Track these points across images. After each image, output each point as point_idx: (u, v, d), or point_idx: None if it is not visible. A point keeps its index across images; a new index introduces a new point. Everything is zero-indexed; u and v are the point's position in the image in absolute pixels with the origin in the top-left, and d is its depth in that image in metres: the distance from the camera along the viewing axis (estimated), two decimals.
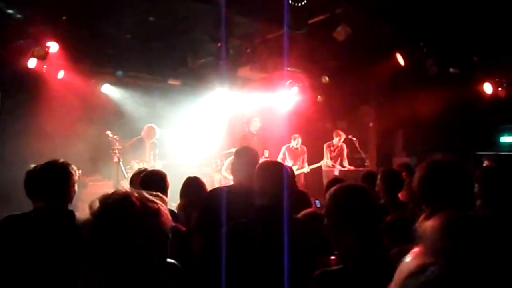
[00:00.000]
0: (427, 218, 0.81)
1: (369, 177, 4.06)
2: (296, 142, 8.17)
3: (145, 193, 1.31)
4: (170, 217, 1.31)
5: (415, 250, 0.64)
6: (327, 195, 1.67)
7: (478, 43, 6.88)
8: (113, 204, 1.26)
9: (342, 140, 8.26)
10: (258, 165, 2.44)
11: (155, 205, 1.28)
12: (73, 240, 2.19)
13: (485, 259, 0.57)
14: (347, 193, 1.62)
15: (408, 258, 0.64)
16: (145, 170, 3.77)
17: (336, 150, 8.35)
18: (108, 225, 1.23)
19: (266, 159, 5.99)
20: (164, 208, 1.30)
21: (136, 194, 1.27)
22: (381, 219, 1.61)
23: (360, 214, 1.55)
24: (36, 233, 2.20)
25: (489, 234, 0.61)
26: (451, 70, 7.31)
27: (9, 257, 2.20)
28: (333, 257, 1.83)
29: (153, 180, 2.83)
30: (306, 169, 8.11)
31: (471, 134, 7.82)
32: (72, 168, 2.40)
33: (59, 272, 2.10)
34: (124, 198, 1.26)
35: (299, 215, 2.55)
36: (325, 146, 8.37)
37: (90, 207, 1.27)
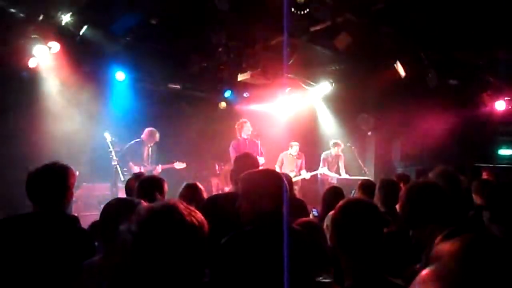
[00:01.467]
0: (444, 240, 0.80)
1: (367, 186, 4.05)
2: (294, 150, 8.16)
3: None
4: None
5: (427, 272, 0.63)
6: (334, 214, 1.65)
7: (479, 55, 6.92)
8: (161, 213, 1.28)
9: (340, 150, 8.23)
10: (252, 172, 2.41)
11: (199, 217, 1.32)
12: (67, 243, 2.18)
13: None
14: (351, 214, 1.60)
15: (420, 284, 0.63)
16: (141, 174, 3.77)
17: (333, 159, 8.34)
18: (155, 234, 1.24)
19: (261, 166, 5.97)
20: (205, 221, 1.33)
21: (182, 205, 1.31)
22: (382, 238, 1.58)
23: (362, 237, 1.54)
24: (30, 235, 2.18)
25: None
26: (450, 81, 7.34)
27: (3, 260, 2.18)
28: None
29: (151, 185, 2.81)
30: (307, 175, 8.08)
31: (469, 146, 7.83)
32: (71, 170, 2.39)
33: (51, 275, 2.08)
34: (172, 207, 1.29)
35: (295, 224, 2.53)
36: (323, 155, 8.35)
37: (136, 214, 1.29)
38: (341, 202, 1.67)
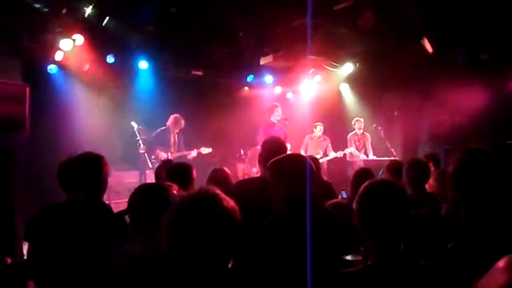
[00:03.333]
0: None
1: (395, 167, 3.99)
2: (319, 130, 8.11)
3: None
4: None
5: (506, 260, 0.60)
6: (358, 194, 1.64)
7: (510, 29, 6.61)
8: (200, 202, 1.34)
9: (363, 126, 8.16)
10: (277, 159, 2.40)
11: (233, 204, 1.38)
12: (108, 230, 2.25)
13: None
14: (373, 195, 1.59)
15: None
16: (169, 161, 3.83)
17: (361, 140, 8.26)
18: (195, 223, 1.29)
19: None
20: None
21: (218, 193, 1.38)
22: (407, 219, 1.57)
23: (385, 219, 1.53)
24: (71, 224, 2.27)
25: None
26: (481, 56, 7.06)
27: (43, 247, 2.27)
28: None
29: (179, 172, 2.86)
30: (336, 154, 8.05)
31: (502, 124, 7.55)
32: (105, 160, 2.46)
33: (92, 262, 2.16)
34: (212, 195, 1.35)
35: (326, 205, 2.52)
36: (349, 136, 8.29)
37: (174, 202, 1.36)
38: (365, 183, 1.66)
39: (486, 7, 5.87)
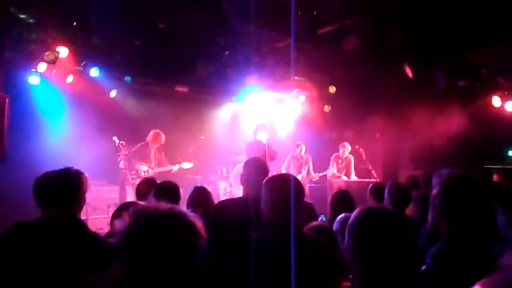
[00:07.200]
0: None
1: (378, 189, 4.02)
2: (300, 149, 8.16)
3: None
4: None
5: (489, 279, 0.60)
6: (351, 221, 1.63)
7: (487, 56, 6.85)
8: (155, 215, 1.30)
9: (348, 152, 8.26)
10: (266, 179, 2.42)
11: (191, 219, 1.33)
12: (83, 250, 2.18)
13: None
14: (374, 224, 1.58)
15: None
16: (152, 178, 3.77)
17: (344, 162, 8.33)
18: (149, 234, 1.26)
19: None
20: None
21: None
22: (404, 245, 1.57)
23: (385, 248, 1.52)
24: (45, 241, 2.18)
25: None
26: (459, 83, 7.27)
27: (16, 265, 2.18)
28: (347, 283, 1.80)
29: (167, 191, 2.84)
30: (315, 176, 8.09)
31: (479, 148, 7.75)
32: (84, 176, 2.40)
33: (67, 282, 2.08)
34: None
35: (306, 228, 2.51)
36: (332, 157, 8.36)
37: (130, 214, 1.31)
38: (361, 210, 1.64)
39: (465, 35, 6.08)
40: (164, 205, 1.35)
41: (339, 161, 8.31)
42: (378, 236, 1.53)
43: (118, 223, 1.32)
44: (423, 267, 1.77)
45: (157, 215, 1.30)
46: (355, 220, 1.59)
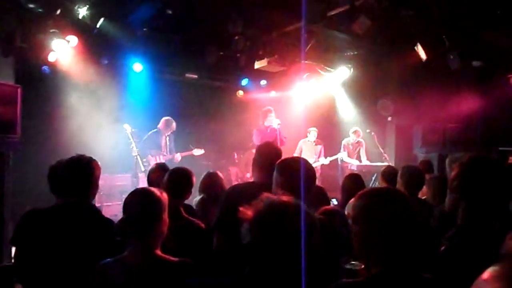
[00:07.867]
0: None
1: (390, 173, 3.99)
2: (312, 135, 8.10)
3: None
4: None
5: (492, 270, 0.59)
6: (355, 199, 1.60)
7: (503, 36, 6.67)
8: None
9: (359, 136, 8.17)
10: (278, 161, 2.42)
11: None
12: (96, 235, 2.21)
13: None
14: (379, 197, 1.54)
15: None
16: (164, 165, 3.79)
17: (356, 147, 8.26)
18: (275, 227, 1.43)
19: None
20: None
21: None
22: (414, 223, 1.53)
23: (393, 221, 1.48)
24: (59, 227, 2.22)
25: None
26: (474, 63, 7.12)
27: (31, 250, 2.23)
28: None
29: (180, 179, 2.84)
30: (326, 160, 8.04)
31: (494, 130, 7.61)
32: (96, 163, 2.42)
33: (79, 267, 2.12)
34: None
35: (318, 212, 2.50)
36: (343, 142, 8.29)
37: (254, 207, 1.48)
38: (374, 191, 1.61)
39: (480, 14, 5.92)
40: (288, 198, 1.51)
41: (351, 145, 8.24)
42: (400, 219, 1.48)
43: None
44: (442, 248, 1.76)
45: (287, 207, 1.45)
46: (371, 202, 1.55)
